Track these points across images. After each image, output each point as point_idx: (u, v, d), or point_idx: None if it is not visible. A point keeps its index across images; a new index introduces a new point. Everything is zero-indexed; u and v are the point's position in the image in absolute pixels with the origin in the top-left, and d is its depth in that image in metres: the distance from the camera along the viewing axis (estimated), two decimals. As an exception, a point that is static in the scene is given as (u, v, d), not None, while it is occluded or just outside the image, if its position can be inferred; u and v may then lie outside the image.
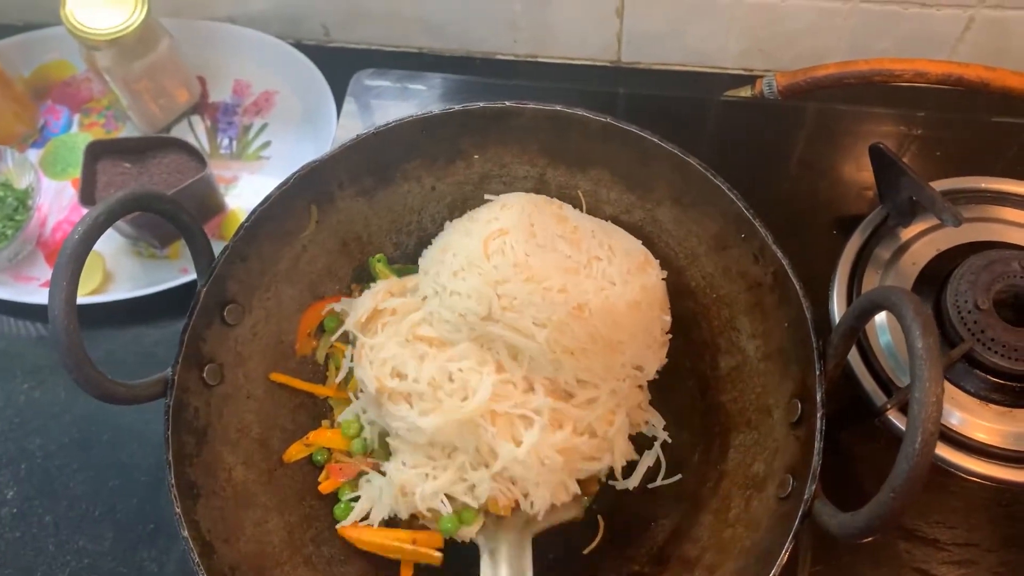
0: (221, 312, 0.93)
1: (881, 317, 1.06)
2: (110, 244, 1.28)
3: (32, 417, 1.16)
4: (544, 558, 0.92)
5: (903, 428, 0.96)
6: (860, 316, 0.77)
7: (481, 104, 0.95)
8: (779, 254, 0.85)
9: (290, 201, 0.96)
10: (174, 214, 0.89)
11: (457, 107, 0.94)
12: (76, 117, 1.42)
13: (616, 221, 1.04)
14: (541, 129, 0.98)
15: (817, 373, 0.79)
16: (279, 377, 0.99)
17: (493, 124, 0.98)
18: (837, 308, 1.07)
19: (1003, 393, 1.00)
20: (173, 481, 0.84)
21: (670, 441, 0.98)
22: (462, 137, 1.00)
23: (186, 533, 0.82)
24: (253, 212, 0.93)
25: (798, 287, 0.83)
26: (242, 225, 0.93)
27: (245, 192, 1.33)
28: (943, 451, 0.97)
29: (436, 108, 0.94)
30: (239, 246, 0.93)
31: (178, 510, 0.83)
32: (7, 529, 1.08)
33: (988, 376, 1.00)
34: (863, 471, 0.99)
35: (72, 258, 0.78)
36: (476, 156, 1.02)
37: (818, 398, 0.79)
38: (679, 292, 1.01)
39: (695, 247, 0.98)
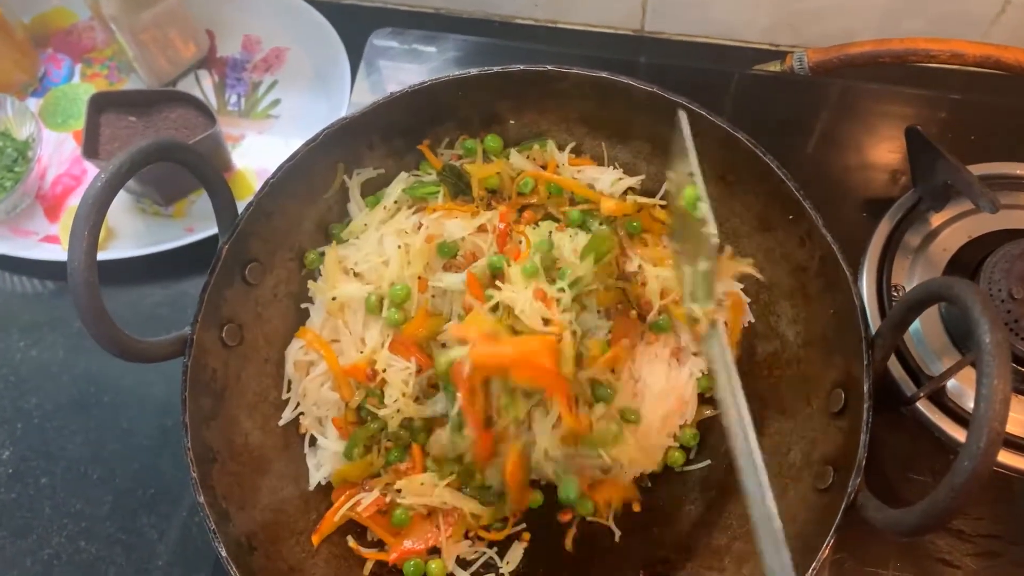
0: (243, 271, 0.90)
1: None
2: (115, 200, 1.23)
3: (29, 376, 1.13)
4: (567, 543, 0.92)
5: (932, 419, 0.96)
6: (915, 307, 0.75)
7: (522, 67, 0.91)
8: (829, 238, 0.82)
9: (318, 159, 0.92)
10: (199, 166, 0.85)
11: (496, 68, 0.91)
12: (78, 67, 1.37)
13: (652, 195, 1.01)
14: (583, 96, 0.94)
15: (865, 364, 0.77)
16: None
17: (532, 88, 0.95)
18: (867, 293, 1.04)
19: (1033, 384, 0.99)
20: (189, 444, 0.81)
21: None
22: (499, 100, 0.96)
23: (202, 499, 0.79)
24: (280, 168, 0.89)
25: (848, 274, 0.80)
26: (267, 181, 0.89)
27: (252, 151, 1.28)
28: (967, 439, 0.96)
29: (474, 69, 0.91)
30: (264, 202, 0.89)
31: (194, 475, 0.80)
32: (2, 490, 1.05)
33: (1019, 367, 0.98)
34: (887, 459, 0.97)
35: (94, 207, 0.74)
36: (512, 121, 0.98)
37: (865, 389, 0.76)
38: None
39: (737, 227, 0.95)
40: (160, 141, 0.81)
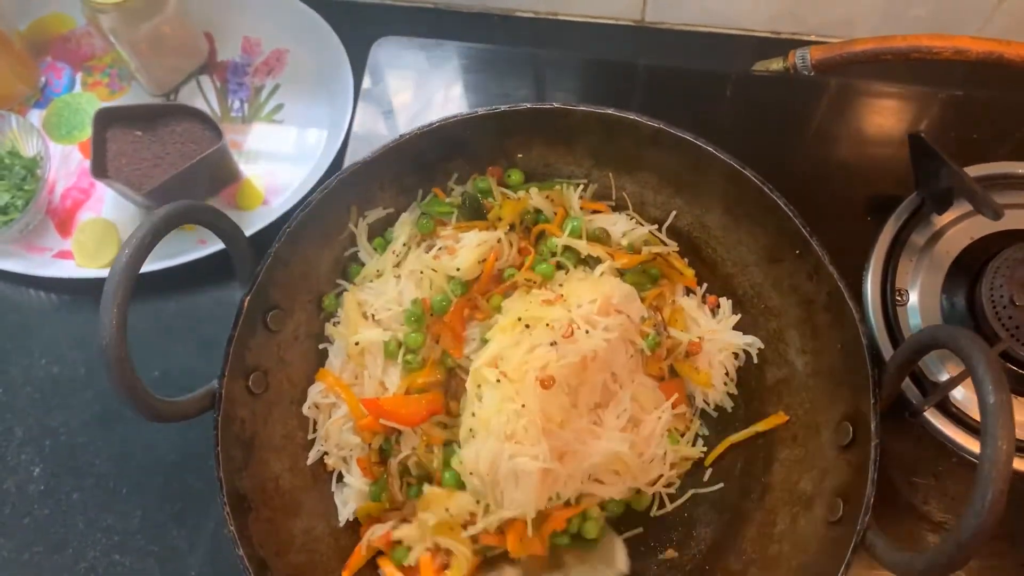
0: (264, 319, 0.92)
1: (913, 300, 1.06)
2: (123, 213, 1.25)
3: (53, 394, 1.15)
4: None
5: (936, 425, 0.98)
6: (920, 350, 0.77)
7: (528, 105, 0.92)
8: (835, 275, 0.84)
9: (332, 203, 0.93)
10: (217, 223, 0.87)
11: (504, 107, 0.92)
12: (78, 76, 1.36)
13: (661, 224, 1.03)
14: (589, 131, 0.95)
15: (872, 403, 0.79)
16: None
17: (540, 125, 0.96)
18: (871, 296, 1.06)
19: (1034, 387, 1.01)
20: (225, 499, 0.83)
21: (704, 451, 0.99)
22: (508, 137, 0.97)
23: (241, 551, 0.82)
24: (295, 217, 0.90)
25: (855, 312, 0.82)
26: (284, 230, 0.90)
27: (258, 158, 1.28)
28: (971, 444, 0.98)
29: (481, 108, 0.91)
30: (282, 251, 0.90)
31: (232, 528, 0.83)
32: (35, 506, 1.08)
33: (1019, 370, 0.99)
34: (889, 463, 0.98)
35: (121, 284, 0.76)
36: (520, 155, 1.00)
37: (872, 427, 0.79)
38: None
39: (745, 256, 0.97)
40: (178, 207, 0.82)
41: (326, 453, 0.96)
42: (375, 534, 0.92)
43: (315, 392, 0.96)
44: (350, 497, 0.94)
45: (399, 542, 0.92)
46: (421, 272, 0.95)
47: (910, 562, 0.71)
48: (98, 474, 1.10)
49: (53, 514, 1.08)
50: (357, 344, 0.94)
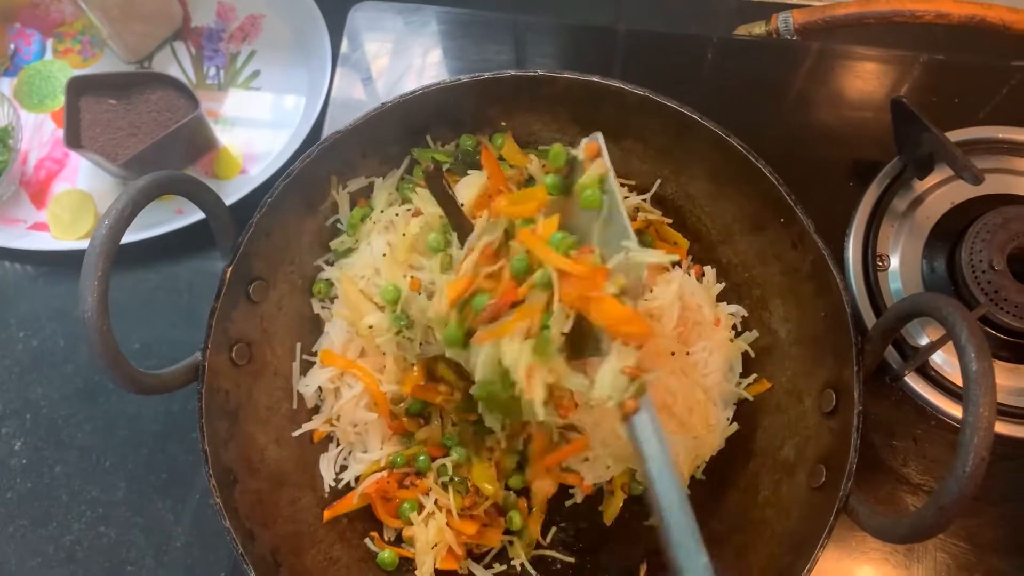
0: (246, 290, 0.91)
1: (894, 265, 1.06)
2: (99, 183, 1.23)
3: (32, 367, 1.14)
4: (567, 531, 0.97)
5: (916, 388, 0.99)
6: (903, 318, 0.78)
7: (512, 72, 0.91)
8: (820, 244, 0.84)
9: (313, 172, 0.92)
10: (198, 194, 0.85)
11: (487, 75, 0.91)
12: (49, 42, 1.33)
13: (644, 192, 1.03)
14: (574, 98, 0.94)
15: (855, 370, 0.80)
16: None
17: (523, 92, 0.95)
18: (852, 261, 1.06)
19: (1011, 350, 1.02)
20: (211, 471, 0.83)
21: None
22: (490, 105, 0.96)
23: (228, 524, 0.82)
24: (276, 186, 0.89)
25: (839, 280, 0.82)
26: (265, 200, 0.89)
27: (235, 126, 1.27)
28: (950, 407, 1.00)
29: (464, 76, 0.90)
30: (263, 222, 0.89)
31: (218, 500, 0.82)
32: (18, 480, 1.08)
33: (998, 334, 1.01)
34: (870, 426, 0.99)
35: (102, 256, 0.75)
36: (503, 123, 0.99)
37: (856, 394, 0.79)
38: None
39: (729, 224, 0.97)
40: (158, 177, 0.80)
41: (332, 430, 0.96)
42: (371, 480, 0.92)
43: (323, 376, 0.95)
44: (356, 463, 0.95)
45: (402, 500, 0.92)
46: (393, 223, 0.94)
47: (892, 527, 0.72)
48: (81, 447, 1.09)
49: (36, 487, 1.08)
50: (371, 328, 0.92)
